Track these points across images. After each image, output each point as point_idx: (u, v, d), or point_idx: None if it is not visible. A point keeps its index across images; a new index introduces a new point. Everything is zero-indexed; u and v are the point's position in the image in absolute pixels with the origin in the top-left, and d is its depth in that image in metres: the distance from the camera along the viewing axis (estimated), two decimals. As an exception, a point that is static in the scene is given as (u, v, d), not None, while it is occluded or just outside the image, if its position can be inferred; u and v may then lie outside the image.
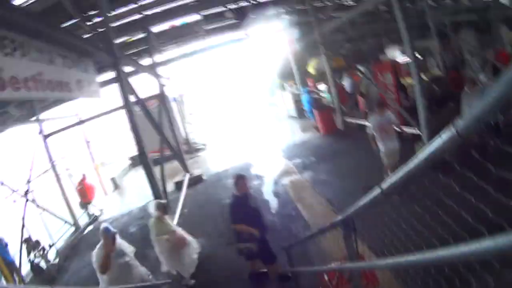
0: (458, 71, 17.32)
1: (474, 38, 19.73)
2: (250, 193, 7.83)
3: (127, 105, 10.82)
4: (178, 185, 16.90)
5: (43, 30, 7.24)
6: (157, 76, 18.10)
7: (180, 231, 9.05)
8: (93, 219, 17.35)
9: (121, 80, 11.05)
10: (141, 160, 11.48)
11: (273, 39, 24.96)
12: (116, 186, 21.92)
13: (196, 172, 18.12)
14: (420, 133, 11.84)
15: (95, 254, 7.07)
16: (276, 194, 13.12)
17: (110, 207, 18.54)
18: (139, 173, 14.60)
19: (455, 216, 2.38)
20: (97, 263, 6.95)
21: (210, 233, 11.01)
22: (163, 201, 9.57)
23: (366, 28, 22.01)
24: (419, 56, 17.23)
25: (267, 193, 13.44)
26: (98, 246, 7.13)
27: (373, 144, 10.24)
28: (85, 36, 12.93)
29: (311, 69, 24.75)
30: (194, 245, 9.24)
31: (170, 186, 16.10)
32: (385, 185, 2.50)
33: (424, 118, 11.57)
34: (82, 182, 17.90)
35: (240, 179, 7.54)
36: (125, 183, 22.76)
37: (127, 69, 13.57)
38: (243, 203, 7.39)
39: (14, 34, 6.49)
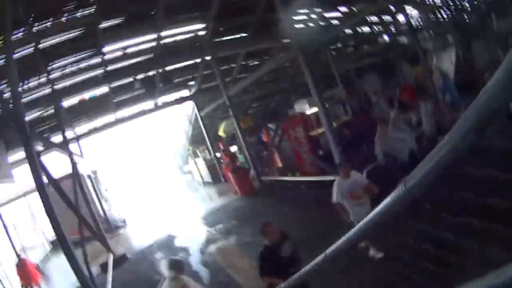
0: (366, 113, 17.96)
1: (377, 79, 20.65)
2: (284, 239, 6.71)
3: (39, 187, 10.29)
4: (103, 267, 15.44)
5: None
6: (69, 153, 17.56)
7: None
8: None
9: (33, 159, 10.54)
10: (60, 244, 10.85)
11: (182, 106, 25.12)
12: (40, 274, 20.43)
13: (119, 251, 16.93)
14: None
15: None
16: (205, 264, 12.46)
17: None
18: (62, 258, 13.47)
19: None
20: None
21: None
22: (176, 257, 8.18)
23: (272, 85, 22.52)
24: (327, 105, 17.79)
25: (196, 264, 12.76)
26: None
27: (342, 214, 8.77)
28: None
29: (221, 133, 24.94)
30: None
31: (95, 269, 15.22)
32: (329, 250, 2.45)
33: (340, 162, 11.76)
34: (22, 265, 16.07)
35: (267, 226, 6.76)
36: (49, 269, 21.21)
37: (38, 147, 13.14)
38: (273, 252, 6.52)
39: None
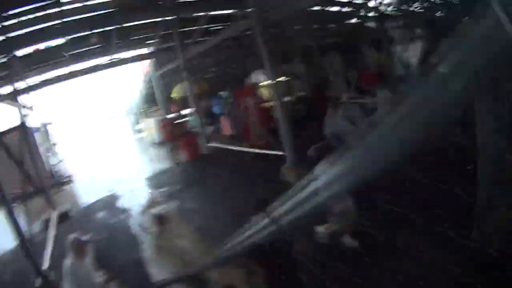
0: (322, 91, 18.05)
1: (339, 60, 20.70)
2: None
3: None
4: (46, 224, 15.26)
5: None
6: (18, 105, 17.12)
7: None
8: None
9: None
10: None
11: (138, 64, 24.80)
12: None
13: (62, 208, 16.48)
14: (285, 155, 12.12)
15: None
16: (143, 227, 12.45)
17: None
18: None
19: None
20: None
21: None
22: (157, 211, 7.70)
23: (231, 52, 22.40)
24: (285, 78, 17.77)
25: (134, 226, 12.57)
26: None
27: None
28: None
29: (175, 94, 24.79)
30: None
31: (36, 226, 15.00)
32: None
33: (288, 139, 11.86)
34: None
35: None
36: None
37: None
38: None
39: None
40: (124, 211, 14.72)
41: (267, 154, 13.59)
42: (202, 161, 18.13)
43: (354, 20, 22.95)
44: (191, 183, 15.48)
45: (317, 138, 12.27)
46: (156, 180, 17.68)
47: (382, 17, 19.92)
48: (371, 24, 21.92)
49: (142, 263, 7.16)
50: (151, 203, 14.29)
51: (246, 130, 17.23)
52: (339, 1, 20.79)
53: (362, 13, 21.80)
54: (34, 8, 13.40)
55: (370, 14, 21.56)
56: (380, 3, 19.55)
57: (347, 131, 11.44)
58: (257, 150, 14.90)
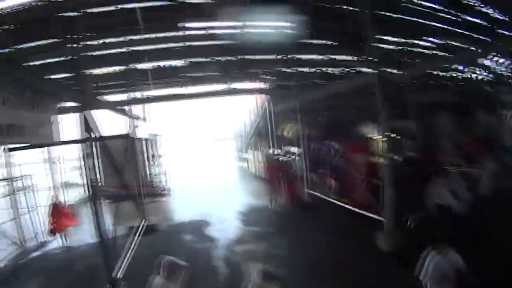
0: (431, 154, 17.35)
1: (451, 122, 19.93)
2: None
3: (88, 143, 10.32)
4: (131, 231, 15.32)
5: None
6: (129, 115, 17.71)
7: None
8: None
9: (86, 117, 10.51)
10: (92, 197, 10.78)
11: (257, 96, 25.11)
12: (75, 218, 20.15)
13: (152, 219, 16.98)
14: (383, 220, 11.57)
15: None
16: (227, 262, 12.14)
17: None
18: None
19: None
20: None
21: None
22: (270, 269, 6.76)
23: (347, 100, 22.12)
24: (394, 135, 17.23)
25: (218, 259, 12.48)
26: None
27: None
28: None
29: (285, 133, 24.76)
30: None
31: (122, 230, 14.61)
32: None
33: (389, 204, 11.27)
34: (57, 206, 15.43)
35: None
36: (83, 212, 20.61)
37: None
38: None
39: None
40: (212, 240, 14.61)
41: (366, 215, 13.09)
42: (299, 208, 17.58)
43: (470, 82, 21.99)
44: (284, 229, 15.02)
45: (419, 206, 11.65)
46: (249, 217, 17.54)
47: (499, 81, 19.05)
48: (487, 88, 20.96)
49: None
50: (240, 240, 14.07)
51: (349, 186, 16.68)
52: (454, 58, 20.08)
53: (478, 76, 20.91)
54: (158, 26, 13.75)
55: (486, 77, 20.68)
56: (499, 66, 18.72)
57: (451, 205, 10.77)
58: (356, 209, 14.38)
